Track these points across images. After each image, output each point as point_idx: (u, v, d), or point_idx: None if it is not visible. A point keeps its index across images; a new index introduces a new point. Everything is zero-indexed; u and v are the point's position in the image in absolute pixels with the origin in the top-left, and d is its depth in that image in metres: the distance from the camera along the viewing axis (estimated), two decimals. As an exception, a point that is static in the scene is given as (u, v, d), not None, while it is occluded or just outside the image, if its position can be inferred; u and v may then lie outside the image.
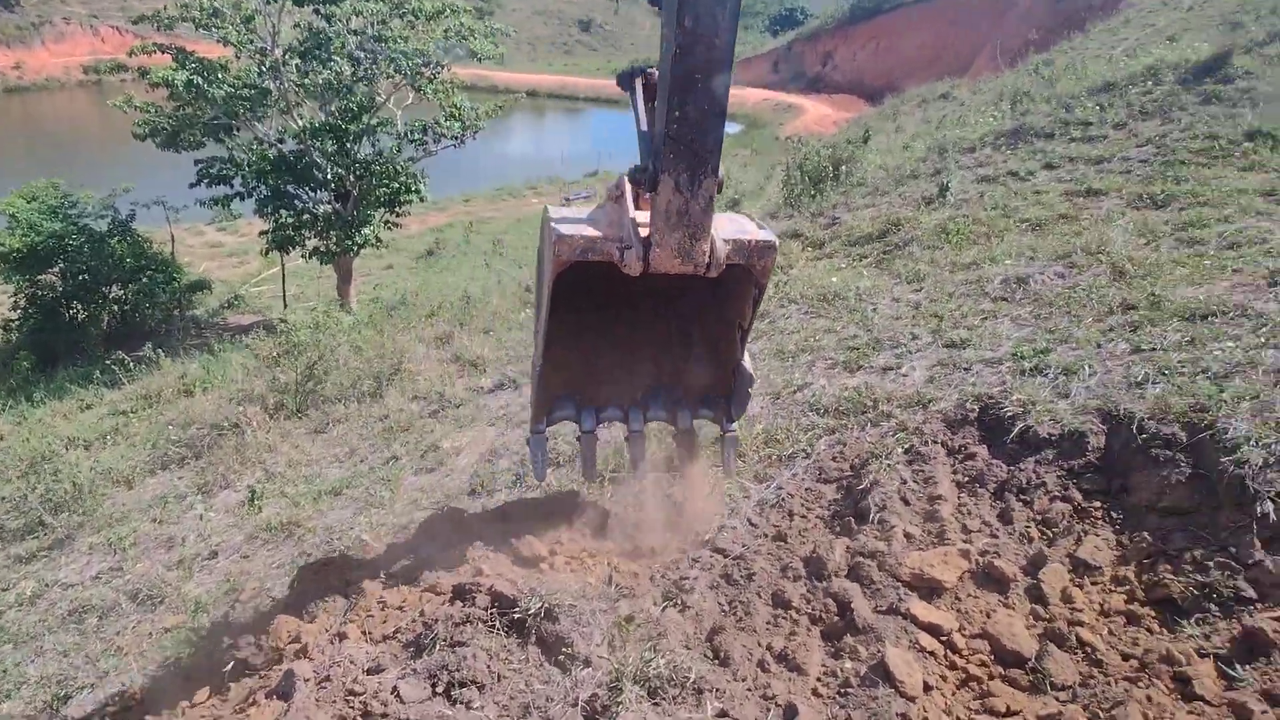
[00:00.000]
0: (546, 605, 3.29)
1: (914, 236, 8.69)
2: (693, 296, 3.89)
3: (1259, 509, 3.56)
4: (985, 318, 6.06)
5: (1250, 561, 3.50)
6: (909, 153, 13.62)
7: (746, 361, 3.83)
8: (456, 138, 18.70)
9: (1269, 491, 3.58)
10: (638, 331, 4.08)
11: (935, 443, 4.65)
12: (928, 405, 4.95)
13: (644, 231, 3.12)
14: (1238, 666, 3.20)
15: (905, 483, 4.39)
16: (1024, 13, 42.87)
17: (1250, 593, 3.44)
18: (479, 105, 19.20)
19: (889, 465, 4.49)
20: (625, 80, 3.76)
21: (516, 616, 3.28)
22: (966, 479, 4.41)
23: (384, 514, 6.29)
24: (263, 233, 18.84)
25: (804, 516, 4.48)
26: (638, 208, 3.26)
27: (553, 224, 3.19)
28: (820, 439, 5.09)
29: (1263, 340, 4.53)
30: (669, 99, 2.84)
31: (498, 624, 3.26)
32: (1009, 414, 4.57)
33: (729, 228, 3.34)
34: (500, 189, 41.85)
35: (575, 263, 3.16)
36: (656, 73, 3.37)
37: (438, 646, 3.13)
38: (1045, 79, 16.34)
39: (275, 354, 11.13)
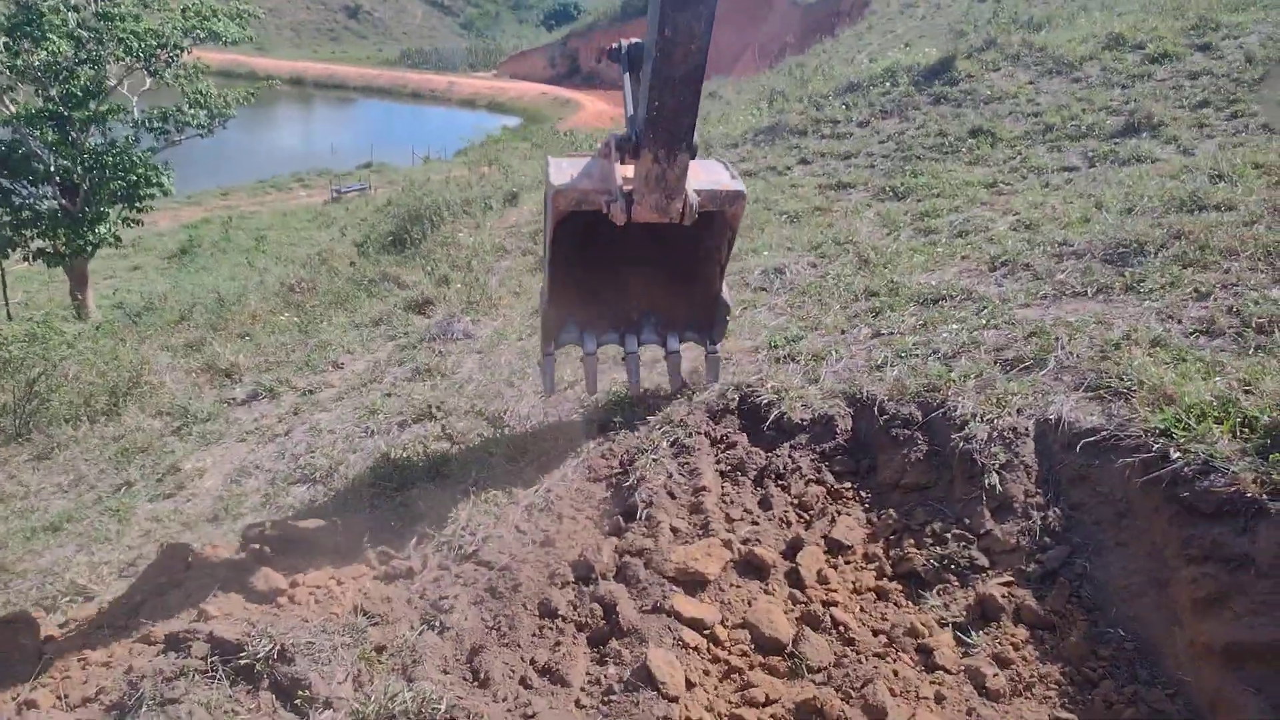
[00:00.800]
0: (279, 646, 2.94)
1: (681, 230, 8.84)
2: (677, 236, 4.26)
3: (986, 481, 3.83)
4: (746, 307, 6.22)
5: (982, 531, 3.76)
6: (678, 147, 13.92)
7: (725, 292, 4.47)
8: (203, 126, 17.13)
9: (994, 464, 3.86)
10: (631, 267, 4.56)
11: (699, 434, 4.67)
12: (691, 397, 4.97)
13: (628, 188, 3.70)
14: (972, 633, 3.42)
15: (671, 476, 4.37)
16: (781, 17, 45.41)
17: (983, 561, 3.69)
18: (228, 92, 17.67)
19: (655, 460, 4.46)
20: (615, 55, 4.19)
21: (244, 662, 2.91)
22: (729, 468, 4.46)
23: (110, 550, 5.56)
24: (-27, 233, 16.40)
25: (573, 519, 4.35)
26: (622, 164, 3.77)
27: (551, 179, 3.82)
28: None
29: (984, 321, 4.92)
30: (649, 92, 3.34)
31: (220, 672, 2.88)
32: (765, 401, 4.68)
33: (703, 177, 3.96)
34: (264, 182, 39.04)
35: (571, 211, 3.83)
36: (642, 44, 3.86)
37: (144, 707, 2.71)
38: (799, 79, 17.34)
39: (-15, 372, 9.65)
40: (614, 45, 4.23)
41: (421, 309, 9.41)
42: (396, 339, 8.50)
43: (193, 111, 16.76)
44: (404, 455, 5.55)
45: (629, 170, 3.75)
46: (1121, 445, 3.59)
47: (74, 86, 15.51)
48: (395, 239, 14.62)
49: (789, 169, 10.56)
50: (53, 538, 6.07)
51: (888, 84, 12.32)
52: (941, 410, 4.17)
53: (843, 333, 5.27)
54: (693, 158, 3.62)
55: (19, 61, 15.33)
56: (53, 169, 15.81)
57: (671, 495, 4.28)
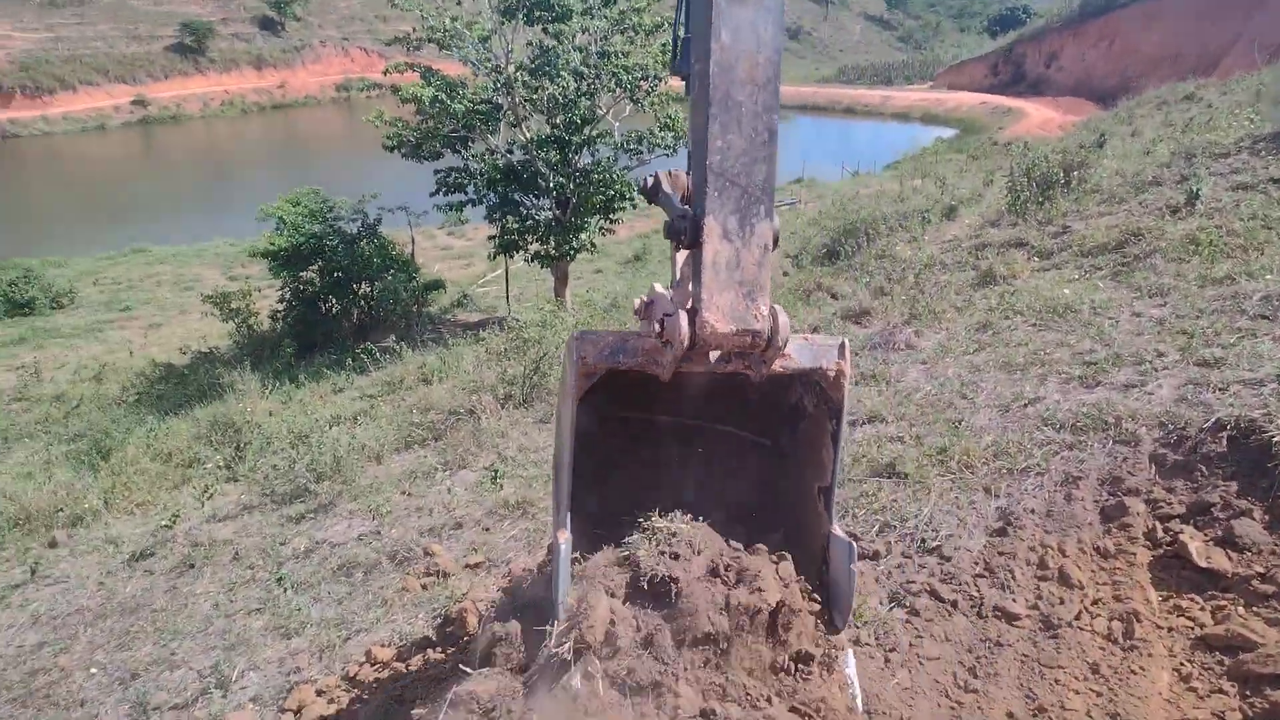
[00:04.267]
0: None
1: (1157, 248, 8.16)
2: (748, 436, 3.15)
3: None
4: (1243, 336, 5.65)
5: None
6: (1150, 158, 12.67)
7: (839, 530, 2.88)
8: (669, 147, 19.27)
9: None
10: (682, 483, 3.23)
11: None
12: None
13: (687, 303, 2.51)
14: None
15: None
16: (1289, 2, 38.42)
17: None
18: (692, 115, 19.70)
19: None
20: (652, 192, 3.18)
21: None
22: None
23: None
24: (490, 237, 20.22)
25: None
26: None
27: (574, 340, 2.67)
28: (1055, 454, 4.96)
29: None
30: (707, 128, 2.38)
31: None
32: (1275, 438, 4.28)
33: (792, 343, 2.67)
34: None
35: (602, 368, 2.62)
36: (682, 172, 3.05)
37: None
38: (1317, 76, 14.68)
39: (504, 349, 12.04)
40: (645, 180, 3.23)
41: (858, 319, 9.76)
42: (837, 346, 8.93)
43: (662, 134, 18.99)
44: (859, 451, 5.94)
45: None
46: None
47: (575, 115, 18.43)
48: (829, 251, 15.17)
49: (1300, 181, 9.14)
50: (561, 486, 7.47)
51: None
52: None
53: (1379, 371, 4.60)
54: (776, 240, 2.49)
55: (535, 96, 18.59)
56: (552, 185, 18.91)
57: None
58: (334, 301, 19.42)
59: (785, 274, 15.04)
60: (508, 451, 8.83)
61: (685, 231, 2.45)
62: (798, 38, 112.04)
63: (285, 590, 6.50)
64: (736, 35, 2.33)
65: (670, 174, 3.17)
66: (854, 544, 2.81)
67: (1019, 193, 11.66)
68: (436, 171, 19.53)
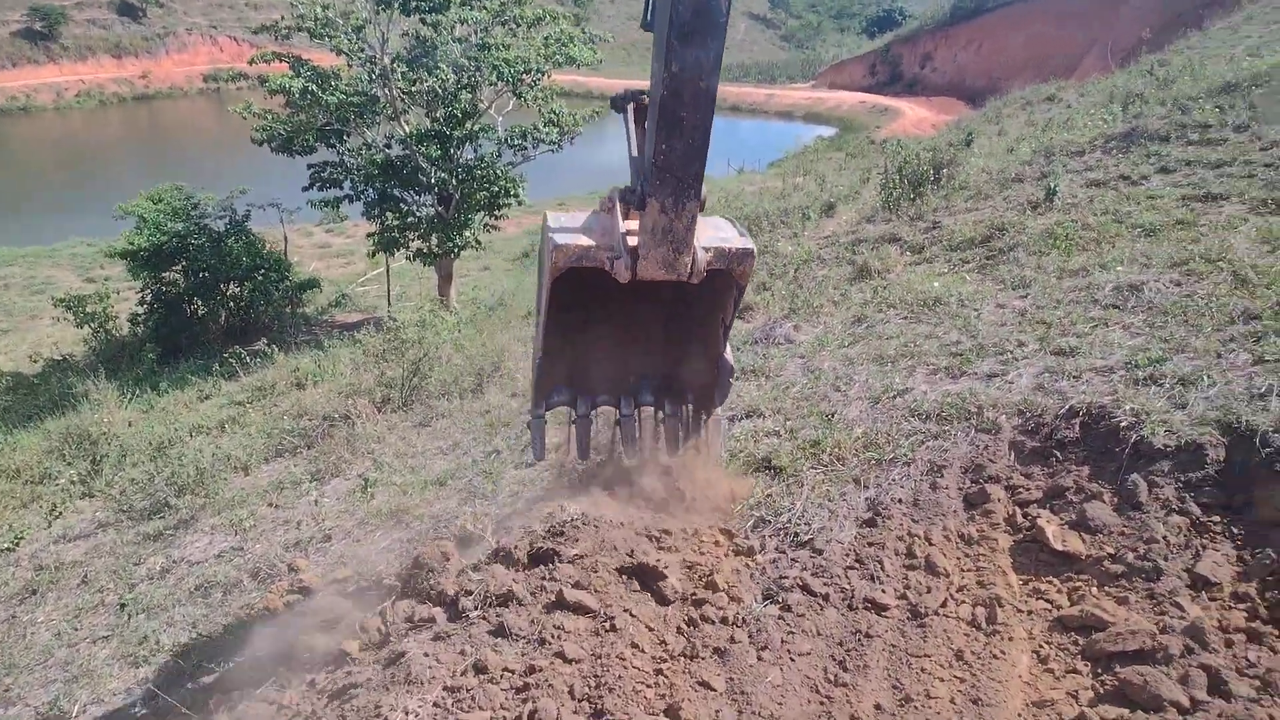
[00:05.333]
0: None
1: (1019, 241, 8.49)
2: (680, 295, 4.12)
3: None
4: (1096, 325, 5.90)
5: (1386, 583, 3.36)
6: (1014, 156, 13.26)
7: (728, 354, 4.20)
8: (555, 143, 19.05)
9: (1407, 510, 3.42)
10: (630, 326, 4.39)
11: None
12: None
13: (632, 242, 3.50)
14: (1370, 690, 3.08)
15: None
16: (1136, 11, 41.07)
17: (1385, 614, 3.30)
18: (576, 111, 19.52)
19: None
20: (618, 103, 3.98)
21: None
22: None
23: (487, 504, 6.52)
24: (369, 235, 19.56)
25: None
26: (626, 218, 3.59)
27: (550, 233, 3.60)
28: (922, 444, 5.05)
29: (1402, 353, 4.31)
30: (656, 133, 3.18)
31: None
32: (1123, 424, 4.46)
33: (711, 235, 3.70)
34: (594, 192, 42.29)
35: (571, 267, 3.57)
36: (647, 98, 3.62)
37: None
38: (1159, 80, 15.69)
39: (383, 350, 11.61)
40: (616, 94, 4.02)
41: (741, 314, 9.85)
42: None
43: (547, 129, 18.74)
44: (735, 446, 5.93)
45: (633, 224, 3.55)
46: None
47: (455, 109, 17.97)
48: (714, 246, 15.28)
49: (1145, 178, 9.68)
50: (440, 490, 7.22)
51: (1275, 82, 10.85)
52: (1343, 447, 3.75)
53: (1217, 356, 4.85)
54: (701, 209, 3.42)
55: (413, 88, 18.04)
56: (433, 180, 18.40)
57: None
58: (200, 303, 18.37)
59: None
60: (384, 458, 8.51)
61: (634, 201, 3.42)
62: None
63: (130, 616, 6.03)
64: (684, 67, 3.06)
65: (638, 100, 3.90)
66: (733, 363, 4.24)
67: (892, 190, 11.98)
68: (310, 166, 18.74)
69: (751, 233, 13.42)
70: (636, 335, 4.46)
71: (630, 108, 3.91)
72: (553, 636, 3.50)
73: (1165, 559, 3.81)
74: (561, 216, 3.77)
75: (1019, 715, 3.30)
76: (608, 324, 4.37)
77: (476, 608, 3.76)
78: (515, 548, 4.08)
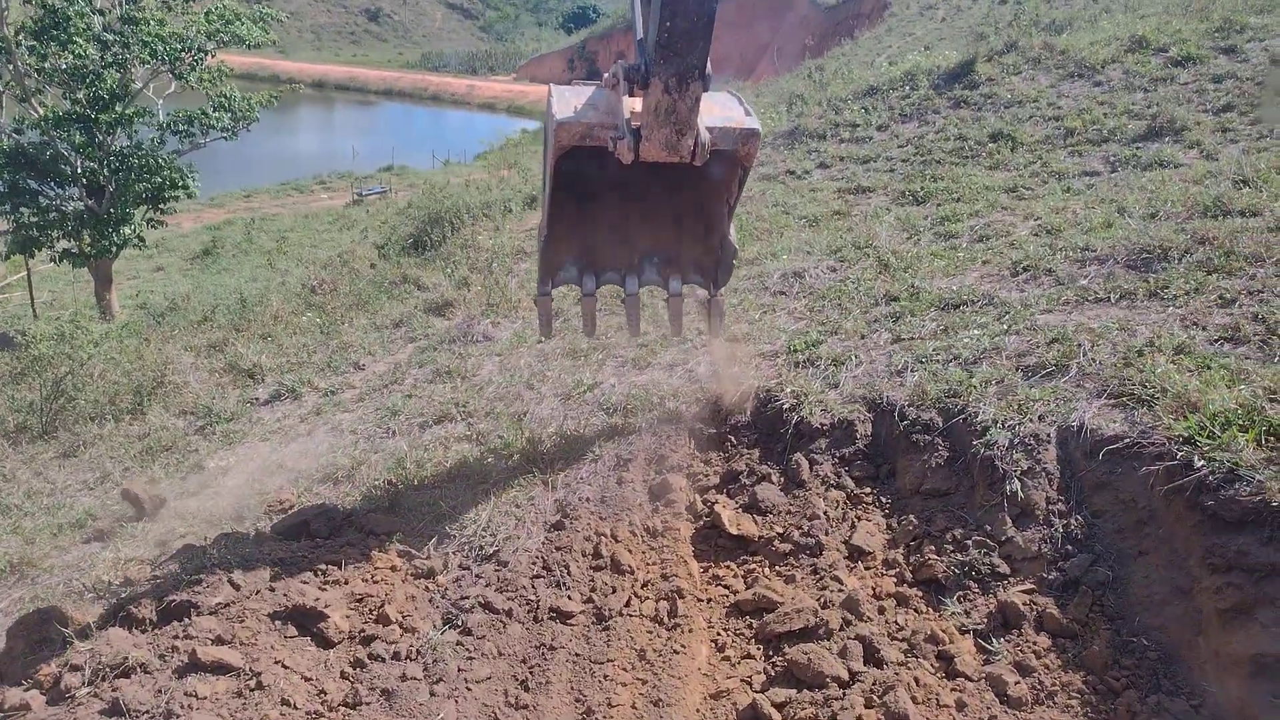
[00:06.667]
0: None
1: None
2: (684, 175, 4.03)
3: (1008, 488, 3.81)
4: (765, 311, 6.22)
5: (1003, 538, 3.74)
6: (697, 151, 13.91)
7: (732, 235, 4.26)
8: (228, 129, 17.29)
9: (1016, 471, 3.84)
10: (634, 205, 4.37)
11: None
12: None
13: (636, 123, 3.45)
14: (994, 640, 3.40)
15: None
16: (801, 18, 45.29)
17: (1005, 568, 3.67)
18: (251, 95, 17.83)
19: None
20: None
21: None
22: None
23: (136, 546, 5.62)
24: (2, 233, 16.66)
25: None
26: (631, 95, 3.50)
27: (554, 111, 3.58)
28: (609, 439, 5.01)
29: (1006, 327, 4.89)
30: (659, 12, 3.08)
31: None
32: (785, 405, 4.68)
33: (717, 114, 3.67)
34: (286, 184, 39.34)
35: (574, 146, 3.57)
36: None
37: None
38: (817, 83, 17.26)
39: (16, 370, 9.80)
40: None
41: (442, 311, 9.45)
42: (417, 341, 8.55)
43: (217, 115, 16.91)
44: (424, 455, 5.58)
45: (637, 103, 3.49)
46: (1144, 453, 3.57)
47: (100, 90, 15.68)
48: (415, 241, 14.67)
49: (808, 173, 10.54)
50: (78, 534, 6.15)
51: (907, 88, 12.27)
52: (962, 416, 4.16)
53: (863, 337, 5.26)
54: (706, 88, 3.34)
55: (46, 65, 15.55)
56: (79, 171, 16.01)
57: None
58: None
59: (372, 265, 14.25)
60: (12, 499, 7.14)
61: (638, 80, 3.30)
62: (377, 20, 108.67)
63: None
64: None
65: None
66: (736, 244, 4.30)
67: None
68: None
69: (453, 226, 12.96)
70: (643, 214, 4.42)
71: None
72: (182, 707, 2.97)
73: (826, 533, 4.02)
74: (565, 91, 3.75)
75: (698, 711, 3.30)
76: (612, 203, 4.33)
77: (86, 684, 3.11)
78: (139, 604, 3.44)
